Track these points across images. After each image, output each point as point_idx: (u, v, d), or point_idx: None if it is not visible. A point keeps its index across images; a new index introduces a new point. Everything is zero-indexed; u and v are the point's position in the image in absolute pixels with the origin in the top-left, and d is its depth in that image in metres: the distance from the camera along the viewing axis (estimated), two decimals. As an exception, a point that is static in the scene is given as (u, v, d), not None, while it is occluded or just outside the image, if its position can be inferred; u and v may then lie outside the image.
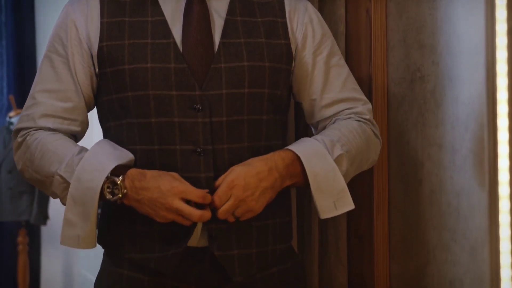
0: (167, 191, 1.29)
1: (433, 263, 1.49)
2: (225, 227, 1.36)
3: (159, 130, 1.36)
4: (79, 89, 1.43)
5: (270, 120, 1.42)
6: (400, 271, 1.60)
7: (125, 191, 1.31)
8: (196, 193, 1.30)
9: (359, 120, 1.47)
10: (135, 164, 1.37)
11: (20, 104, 4.24)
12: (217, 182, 1.33)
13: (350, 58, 1.72)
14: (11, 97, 4.28)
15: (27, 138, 1.42)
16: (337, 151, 1.37)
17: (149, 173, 1.32)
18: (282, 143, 1.46)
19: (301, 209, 1.75)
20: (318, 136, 1.41)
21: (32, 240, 4.34)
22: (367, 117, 1.48)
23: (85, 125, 1.48)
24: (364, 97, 1.51)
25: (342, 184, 1.37)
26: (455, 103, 1.43)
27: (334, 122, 1.48)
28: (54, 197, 1.41)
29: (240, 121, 1.38)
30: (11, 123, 4.20)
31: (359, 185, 1.64)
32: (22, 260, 4.15)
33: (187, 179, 1.33)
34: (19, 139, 1.44)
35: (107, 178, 1.31)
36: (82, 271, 3.80)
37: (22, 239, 4.16)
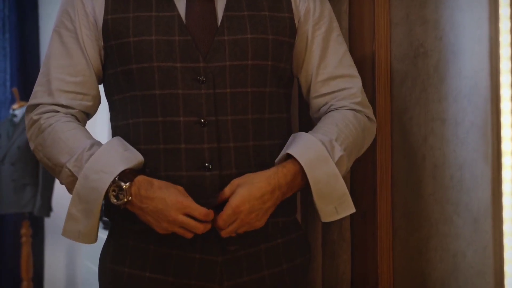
0: (172, 204, 1.29)
1: (436, 237, 1.50)
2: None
3: (163, 102, 1.36)
4: (89, 62, 1.43)
5: (273, 92, 1.43)
6: (403, 246, 1.60)
7: (129, 198, 1.32)
8: (200, 211, 1.30)
9: (353, 109, 1.47)
10: (139, 139, 1.38)
11: (23, 96, 4.26)
12: (221, 197, 1.33)
13: (353, 36, 1.72)
14: (15, 90, 4.29)
15: (41, 122, 1.41)
16: (338, 153, 1.38)
17: (156, 183, 1.32)
18: (286, 116, 1.48)
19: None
20: (318, 135, 1.40)
21: (35, 231, 4.36)
22: (359, 99, 1.48)
23: (97, 99, 1.48)
24: (358, 74, 1.52)
25: (344, 189, 1.39)
26: (458, 77, 1.43)
27: (329, 111, 1.47)
28: (62, 184, 1.41)
29: (244, 93, 1.39)
30: (14, 116, 4.21)
31: (362, 161, 1.65)
32: (26, 252, 4.16)
33: (191, 150, 1.35)
34: (35, 117, 1.43)
35: (114, 181, 1.31)
36: (86, 263, 3.80)
37: (25, 231, 4.18)
